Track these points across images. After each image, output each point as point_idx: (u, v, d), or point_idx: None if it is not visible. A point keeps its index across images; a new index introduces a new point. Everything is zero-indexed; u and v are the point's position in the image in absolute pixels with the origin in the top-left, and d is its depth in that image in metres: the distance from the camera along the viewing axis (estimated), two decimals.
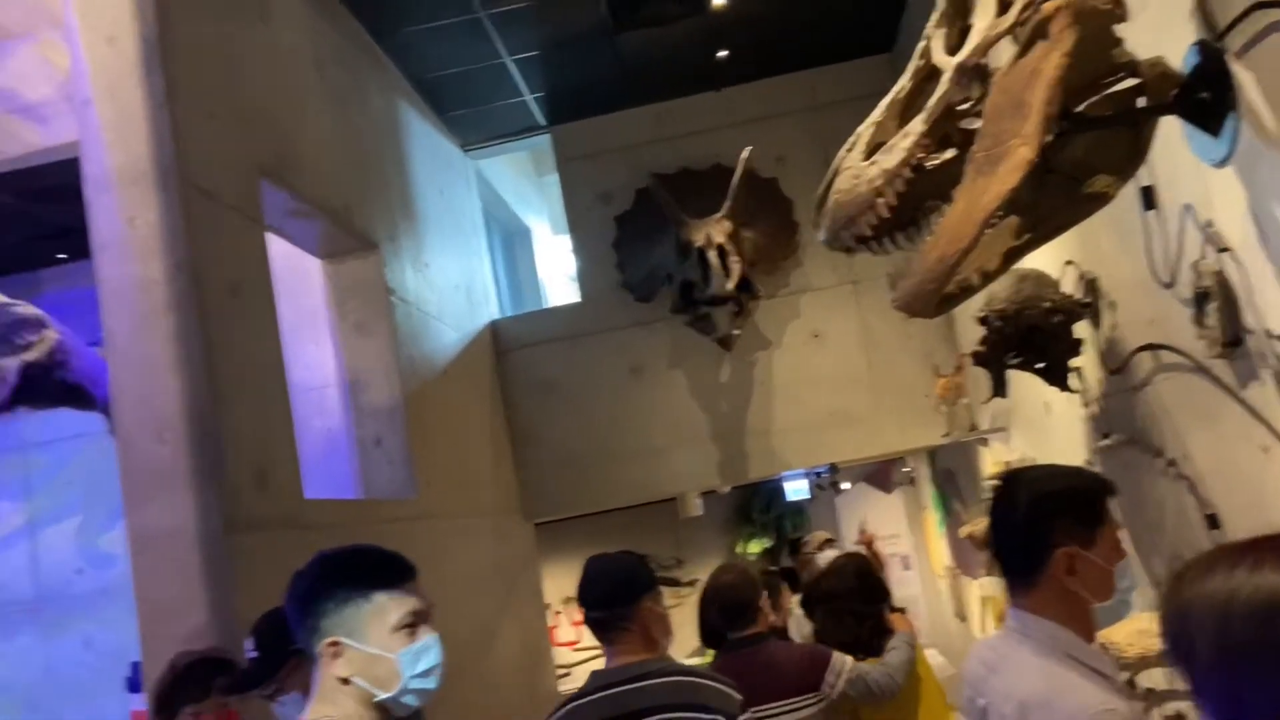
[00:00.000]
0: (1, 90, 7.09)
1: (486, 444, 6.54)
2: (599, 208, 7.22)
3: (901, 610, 4.38)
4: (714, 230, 6.13)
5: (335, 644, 1.72)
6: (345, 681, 1.72)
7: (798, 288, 7.05)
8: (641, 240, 6.93)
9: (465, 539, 5.53)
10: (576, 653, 9.65)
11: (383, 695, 1.72)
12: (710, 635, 3.78)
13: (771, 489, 9.87)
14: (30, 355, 4.71)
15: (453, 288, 6.38)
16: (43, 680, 6.78)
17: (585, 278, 7.30)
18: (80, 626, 6.80)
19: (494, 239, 8.37)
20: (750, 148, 6.36)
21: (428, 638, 1.77)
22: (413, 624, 1.75)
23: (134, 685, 4.97)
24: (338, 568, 1.79)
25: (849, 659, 3.60)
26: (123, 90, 3.19)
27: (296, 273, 4.98)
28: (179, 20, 3.41)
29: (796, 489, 9.55)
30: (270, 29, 4.30)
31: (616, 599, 2.57)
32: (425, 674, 1.74)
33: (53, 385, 5.45)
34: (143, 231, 3.14)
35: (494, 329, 7.18)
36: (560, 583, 9.30)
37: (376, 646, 1.71)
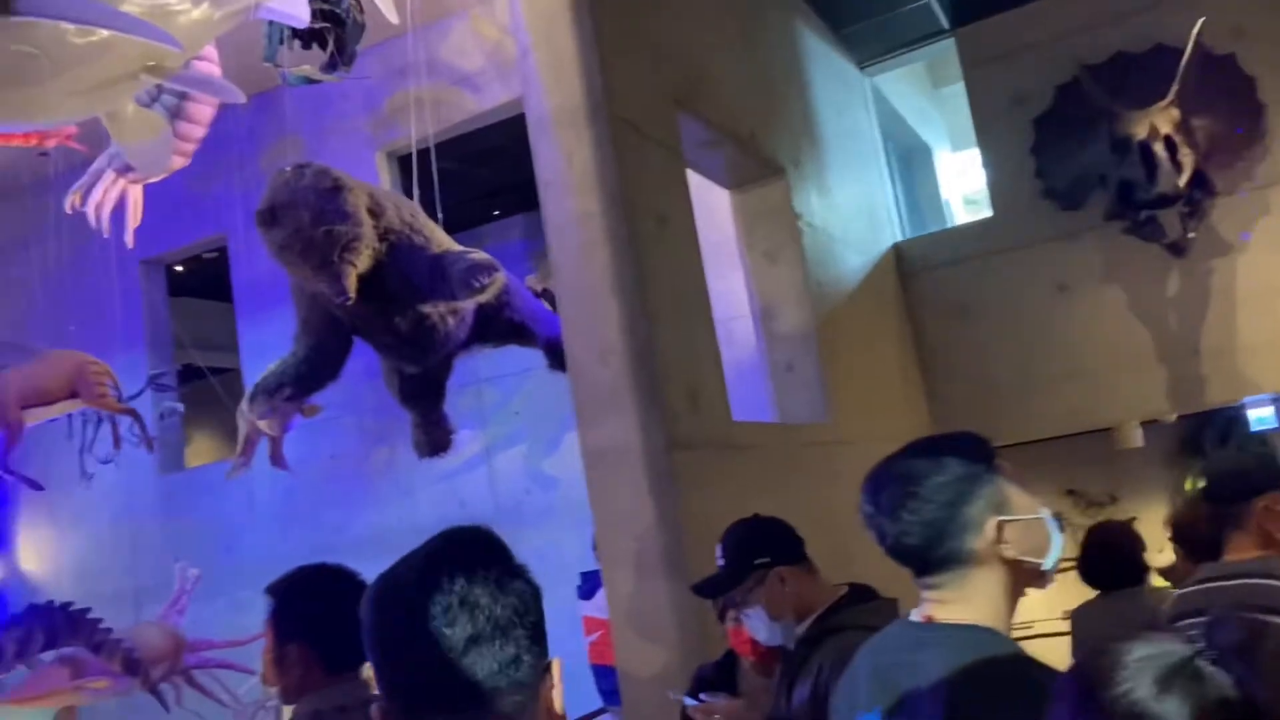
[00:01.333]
0: (444, 64, 7.98)
1: (895, 371, 6.32)
2: (1013, 111, 6.60)
3: None
4: (1159, 119, 5.33)
5: (1000, 525, 1.53)
6: (1012, 564, 1.55)
7: (1267, 180, 5.96)
8: (1066, 141, 6.24)
9: None
10: None
11: (1048, 563, 1.56)
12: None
13: (1229, 417, 8.59)
14: (483, 296, 5.27)
15: (855, 211, 6.19)
16: None
17: (998, 190, 6.74)
18: (531, 541, 7.64)
19: (891, 159, 8.02)
20: (1202, 20, 5.44)
21: None
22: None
23: (585, 593, 5.49)
24: (969, 451, 1.61)
25: None
26: (556, 35, 3.37)
27: (704, 208, 5.08)
28: None
29: (1261, 417, 8.21)
30: None
31: (1225, 496, 2.50)
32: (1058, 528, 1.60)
33: (501, 324, 6.08)
34: (579, 167, 3.31)
35: (898, 252, 6.88)
36: None
37: (1027, 511, 1.56)
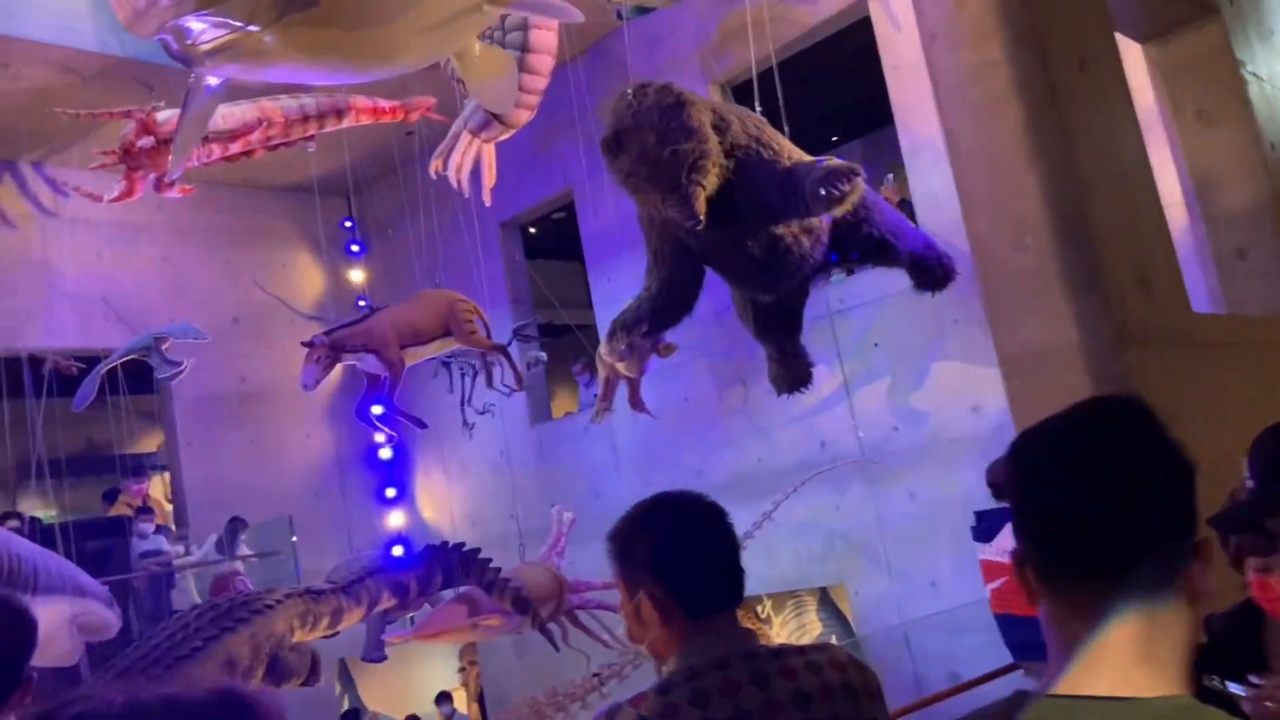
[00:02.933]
0: None
1: None
2: None
3: None
4: None
5: None
6: None
7: None
8: None
9: None
10: None
11: None
12: None
13: None
14: (842, 207, 4.74)
15: None
16: (875, 529, 7.22)
17: None
18: (903, 482, 7.06)
19: None
20: None
21: None
22: None
23: (983, 534, 4.85)
24: None
25: None
26: None
27: None
28: None
29: None
30: None
31: None
32: None
33: (860, 241, 5.51)
34: (975, 8, 2.67)
35: None
36: None
37: None
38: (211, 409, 9.68)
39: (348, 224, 10.83)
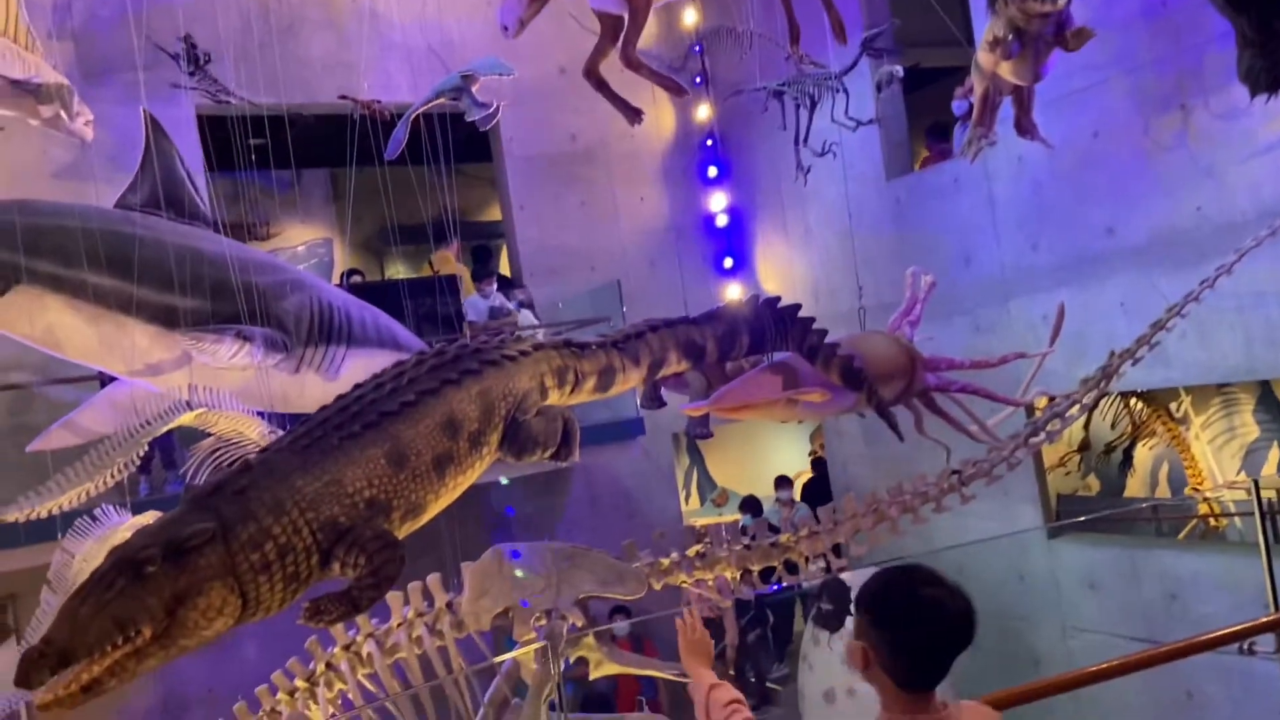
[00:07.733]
0: None
1: None
2: None
3: None
4: None
5: None
6: None
7: None
8: None
9: None
10: None
11: None
12: None
13: None
14: None
15: None
16: None
17: None
18: None
19: None
20: None
21: None
22: None
23: None
24: None
25: None
26: None
27: None
28: None
29: None
30: None
31: None
32: None
33: None
34: None
35: None
36: None
37: None
38: (542, 170, 9.15)
39: None
